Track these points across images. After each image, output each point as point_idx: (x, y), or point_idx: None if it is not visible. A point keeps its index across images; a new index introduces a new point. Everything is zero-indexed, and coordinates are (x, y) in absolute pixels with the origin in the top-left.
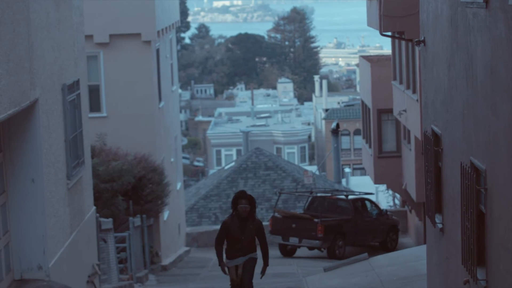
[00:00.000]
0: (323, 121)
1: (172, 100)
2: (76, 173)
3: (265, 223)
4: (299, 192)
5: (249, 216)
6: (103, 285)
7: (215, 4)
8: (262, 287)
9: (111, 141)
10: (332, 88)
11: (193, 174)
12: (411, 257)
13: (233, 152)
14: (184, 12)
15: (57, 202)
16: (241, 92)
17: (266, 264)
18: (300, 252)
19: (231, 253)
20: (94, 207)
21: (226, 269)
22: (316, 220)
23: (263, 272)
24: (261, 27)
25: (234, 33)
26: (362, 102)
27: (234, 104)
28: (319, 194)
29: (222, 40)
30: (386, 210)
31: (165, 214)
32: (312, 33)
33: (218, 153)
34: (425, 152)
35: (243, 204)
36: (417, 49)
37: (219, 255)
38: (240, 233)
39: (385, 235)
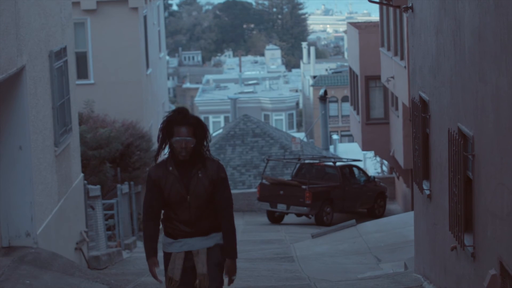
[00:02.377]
0: (311, 88)
1: (160, 67)
2: (64, 140)
3: (252, 190)
4: (287, 159)
5: (196, 157)
6: (91, 252)
7: None
8: (251, 254)
9: (98, 108)
10: (320, 55)
11: None
12: (399, 223)
13: (221, 119)
14: None
15: (45, 169)
16: (228, 59)
17: (229, 255)
18: (288, 218)
19: (173, 229)
20: (82, 174)
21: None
22: (304, 186)
23: (228, 273)
24: None
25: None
26: (350, 69)
27: (222, 71)
28: (307, 161)
29: (210, 7)
30: (374, 177)
31: None
32: None
33: (206, 120)
34: (413, 119)
35: (181, 134)
36: (404, 15)
37: (148, 241)
38: (183, 190)
39: (372, 202)
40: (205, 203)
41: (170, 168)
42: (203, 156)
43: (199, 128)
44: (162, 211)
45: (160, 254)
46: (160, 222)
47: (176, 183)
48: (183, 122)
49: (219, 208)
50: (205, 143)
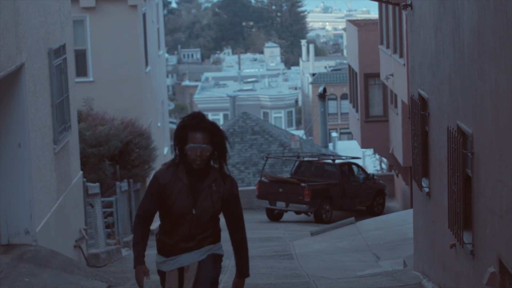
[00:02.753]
0: (310, 86)
1: (159, 64)
2: (63, 137)
3: (251, 187)
4: (286, 156)
5: (209, 167)
6: (90, 249)
7: None
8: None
9: (97, 105)
10: (319, 53)
11: None
12: (398, 221)
13: (220, 116)
14: None
15: (44, 166)
16: (228, 57)
17: (242, 274)
18: (287, 216)
19: (169, 245)
20: (81, 172)
21: (149, 278)
22: (303, 184)
23: None
24: None
25: None
26: (349, 66)
27: (221, 68)
28: (306, 159)
29: (209, 5)
30: (373, 175)
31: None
32: None
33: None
34: (412, 116)
35: (196, 141)
36: (404, 13)
37: (138, 246)
38: (190, 202)
39: (372, 199)
40: (209, 220)
41: (180, 175)
42: (219, 168)
43: (216, 135)
44: (158, 223)
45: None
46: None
47: (183, 192)
48: (199, 128)
49: (230, 227)
50: (223, 153)
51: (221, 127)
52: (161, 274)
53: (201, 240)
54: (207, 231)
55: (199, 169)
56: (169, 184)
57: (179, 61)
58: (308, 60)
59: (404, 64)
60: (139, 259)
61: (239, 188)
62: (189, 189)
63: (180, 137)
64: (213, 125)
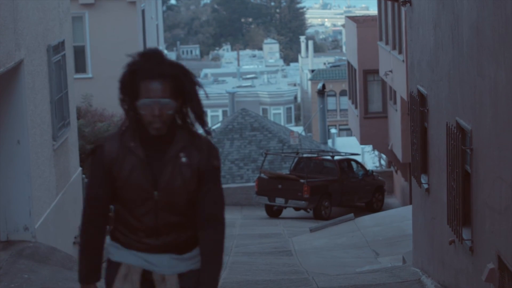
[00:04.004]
0: (309, 82)
1: None
2: (62, 134)
3: (251, 184)
4: (285, 153)
5: (174, 130)
6: None
7: None
8: (249, 248)
9: (96, 102)
10: (318, 49)
11: None
12: (397, 217)
13: (219, 113)
14: None
15: (43, 163)
16: (227, 53)
17: (209, 283)
18: (286, 212)
19: (130, 239)
20: (80, 168)
21: None
22: (302, 180)
23: None
24: None
25: None
26: (348, 63)
27: (220, 65)
28: (305, 155)
29: (208, 1)
30: (372, 171)
31: None
32: None
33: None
34: (411, 113)
35: (153, 95)
36: (403, 9)
37: (83, 255)
38: (148, 181)
39: (371, 196)
40: (182, 205)
41: (132, 144)
42: (189, 130)
43: (184, 82)
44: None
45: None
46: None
47: (139, 168)
48: (156, 74)
49: (202, 214)
50: (194, 107)
51: (190, 70)
52: (113, 265)
53: (175, 237)
54: (183, 225)
55: (160, 135)
56: (117, 158)
57: (178, 58)
58: (307, 57)
59: (403, 61)
60: (86, 274)
61: (238, 185)
62: (146, 164)
63: (127, 88)
64: (177, 68)
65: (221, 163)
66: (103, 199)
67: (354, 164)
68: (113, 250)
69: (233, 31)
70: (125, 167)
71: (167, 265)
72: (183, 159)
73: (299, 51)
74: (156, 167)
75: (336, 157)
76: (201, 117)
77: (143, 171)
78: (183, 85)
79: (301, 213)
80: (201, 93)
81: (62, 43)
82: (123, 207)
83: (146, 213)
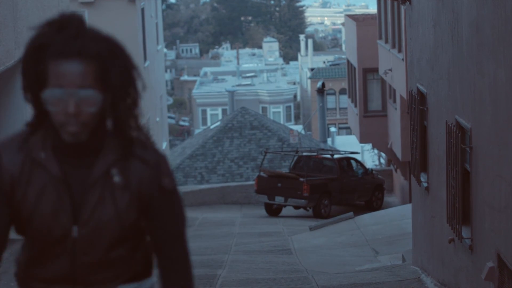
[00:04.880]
0: (309, 81)
1: (157, 59)
2: None
3: (250, 182)
4: (284, 151)
5: (102, 136)
6: None
7: None
8: (249, 247)
9: None
10: (318, 48)
11: (178, 133)
12: (396, 216)
13: (219, 111)
14: None
15: None
16: (226, 52)
17: None
18: (285, 211)
19: (38, 282)
20: None
21: None
22: (301, 179)
23: None
24: None
25: None
26: (348, 61)
27: (220, 63)
28: (304, 154)
29: None
30: (372, 169)
31: None
32: None
33: (204, 112)
34: (411, 111)
35: (66, 82)
36: (402, 7)
37: None
38: (66, 214)
39: (370, 194)
40: (114, 244)
41: (42, 156)
42: (125, 135)
43: (114, 63)
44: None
45: None
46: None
47: (51, 191)
48: (72, 51)
49: (161, 251)
50: (129, 102)
51: (124, 48)
52: None
53: (102, 282)
54: (114, 265)
55: (80, 144)
56: (20, 176)
57: (178, 56)
58: (306, 55)
59: (402, 59)
60: None
61: (238, 183)
62: (62, 185)
63: (31, 71)
64: (105, 43)
65: (176, 184)
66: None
67: (353, 163)
68: None
69: (232, 29)
70: (30, 190)
71: None
72: (116, 179)
73: (298, 50)
74: (76, 190)
75: (336, 156)
76: (130, 119)
77: (57, 196)
78: (113, 69)
79: (301, 211)
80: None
81: None
82: (31, 242)
83: (61, 255)
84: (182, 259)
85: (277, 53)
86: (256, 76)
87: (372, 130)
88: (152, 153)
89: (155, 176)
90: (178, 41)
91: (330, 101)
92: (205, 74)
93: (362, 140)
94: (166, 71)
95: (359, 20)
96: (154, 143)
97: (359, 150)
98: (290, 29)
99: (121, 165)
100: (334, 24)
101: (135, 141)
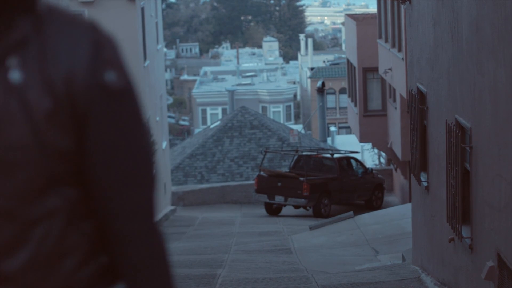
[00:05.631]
0: (309, 80)
1: (157, 59)
2: None
3: (250, 182)
4: (284, 151)
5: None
6: None
7: None
8: (249, 246)
9: None
10: (318, 47)
11: (178, 133)
12: (396, 215)
13: (219, 111)
14: None
15: None
16: (226, 51)
17: None
18: (285, 210)
19: None
20: None
21: None
22: (301, 178)
23: None
24: None
25: None
26: (348, 60)
27: (220, 63)
28: (304, 153)
29: None
30: (372, 169)
31: None
32: None
33: (204, 112)
34: (411, 111)
35: None
36: (402, 7)
37: None
38: None
39: (370, 194)
40: (34, 191)
41: None
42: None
43: None
44: None
45: None
46: None
47: None
48: None
49: (108, 217)
50: None
51: None
52: None
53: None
54: (42, 259)
55: None
56: None
57: (178, 56)
58: (306, 55)
59: (402, 58)
60: None
61: (238, 182)
62: None
63: None
64: None
65: (130, 83)
66: None
67: (353, 162)
68: None
69: (232, 29)
70: None
71: None
72: (15, 74)
73: (298, 49)
74: None
75: (336, 155)
76: None
77: None
78: None
79: (301, 211)
80: None
81: None
82: None
83: None
84: (146, 220)
85: (277, 53)
86: (256, 75)
87: (372, 129)
88: (85, 28)
89: (93, 66)
90: (178, 41)
91: (330, 100)
92: (205, 73)
93: (362, 139)
94: (166, 70)
95: (359, 19)
96: (89, 19)
97: (359, 150)
98: (290, 29)
99: (30, 50)
100: (334, 23)
101: (54, 8)
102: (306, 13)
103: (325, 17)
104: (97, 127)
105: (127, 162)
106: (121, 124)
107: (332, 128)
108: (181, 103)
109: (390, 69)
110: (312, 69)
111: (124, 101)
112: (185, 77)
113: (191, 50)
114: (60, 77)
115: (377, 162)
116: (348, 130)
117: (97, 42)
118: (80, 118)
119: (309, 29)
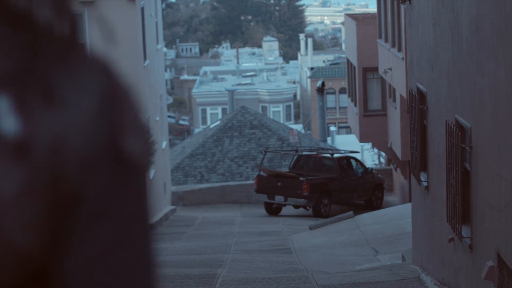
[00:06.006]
0: (309, 80)
1: (157, 58)
2: None
3: (250, 182)
4: (284, 150)
5: None
6: None
7: None
8: (249, 246)
9: None
10: (318, 47)
11: (178, 133)
12: (396, 215)
13: (219, 110)
14: None
15: None
16: (226, 51)
17: None
18: (285, 210)
19: None
20: None
21: None
22: (301, 178)
23: None
24: None
25: None
26: (348, 60)
27: (220, 63)
28: (304, 153)
29: None
30: (372, 169)
31: (151, 173)
32: None
33: (204, 111)
34: (411, 110)
35: None
36: (402, 7)
37: None
38: None
39: (370, 194)
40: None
41: None
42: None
43: None
44: None
45: None
46: None
47: None
48: None
49: None
50: None
51: None
52: None
53: None
54: None
55: None
56: None
57: (178, 55)
58: (306, 54)
59: (402, 58)
60: None
61: (238, 182)
62: None
63: None
64: None
65: (147, 161)
66: None
67: (353, 162)
68: None
69: (232, 28)
70: None
71: None
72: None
73: (298, 49)
74: None
75: (336, 155)
76: None
77: None
78: None
79: (301, 211)
80: None
81: None
82: None
83: None
84: None
85: (277, 52)
86: (256, 75)
87: (372, 129)
88: (96, 71)
89: (99, 128)
90: (178, 40)
91: (330, 100)
92: (205, 73)
93: (362, 139)
94: (166, 70)
95: (359, 19)
96: (100, 54)
97: (359, 150)
98: (290, 28)
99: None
100: (334, 23)
101: (54, 32)
102: (306, 13)
103: (325, 17)
104: (89, 219)
105: (122, 275)
106: (124, 216)
107: (332, 128)
108: (181, 103)
109: (390, 69)
110: (312, 69)
111: (133, 183)
112: (185, 77)
113: (191, 50)
114: (46, 137)
115: (377, 162)
116: (348, 130)
117: (109, 94)
118: (64, 203)
119: (309, 29)
